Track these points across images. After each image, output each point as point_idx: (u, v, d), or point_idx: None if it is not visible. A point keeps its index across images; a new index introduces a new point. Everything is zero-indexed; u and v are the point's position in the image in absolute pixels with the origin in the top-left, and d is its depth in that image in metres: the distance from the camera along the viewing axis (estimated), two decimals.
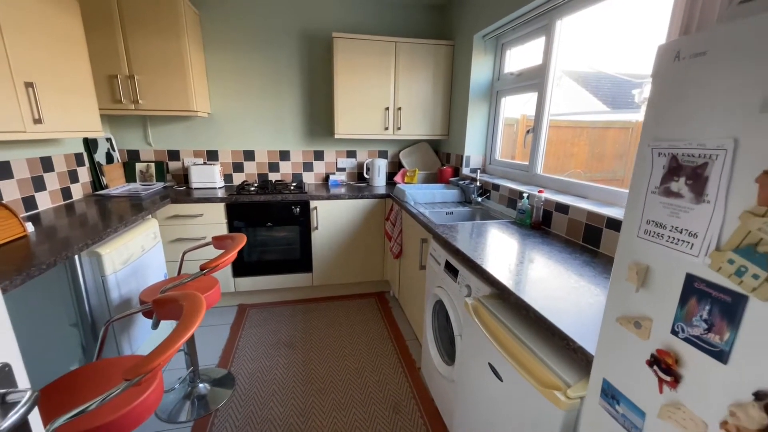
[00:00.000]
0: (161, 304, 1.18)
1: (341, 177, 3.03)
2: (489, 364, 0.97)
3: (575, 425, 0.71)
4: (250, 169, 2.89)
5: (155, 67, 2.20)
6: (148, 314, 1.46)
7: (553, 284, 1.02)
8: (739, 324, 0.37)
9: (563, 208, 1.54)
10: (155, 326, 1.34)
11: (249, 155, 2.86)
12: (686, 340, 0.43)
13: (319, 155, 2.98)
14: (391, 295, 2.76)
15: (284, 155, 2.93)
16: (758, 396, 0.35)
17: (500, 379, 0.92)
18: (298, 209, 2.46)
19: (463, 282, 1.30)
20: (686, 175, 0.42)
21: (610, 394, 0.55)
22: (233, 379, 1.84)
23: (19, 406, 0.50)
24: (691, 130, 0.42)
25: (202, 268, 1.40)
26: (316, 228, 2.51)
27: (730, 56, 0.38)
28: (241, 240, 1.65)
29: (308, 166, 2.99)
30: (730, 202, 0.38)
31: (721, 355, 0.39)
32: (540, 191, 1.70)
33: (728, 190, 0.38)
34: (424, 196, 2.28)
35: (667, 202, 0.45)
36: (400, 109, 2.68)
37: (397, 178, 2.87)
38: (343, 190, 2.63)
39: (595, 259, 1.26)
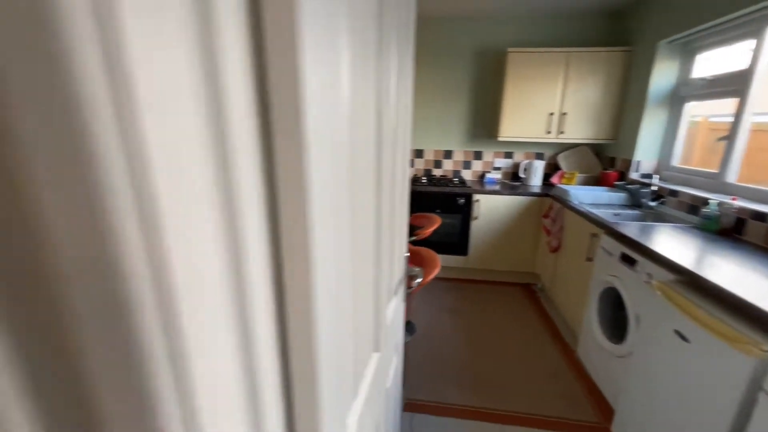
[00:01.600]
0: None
1: (497, 176, 3.36)
2: (675, 330, 1.20)
3: (763, 375, 0.92)
4: (419, 165, 3.47)
5: None
6: None
7: (744, 276, 1.17)
8: None
9: (760, 217, 1.56)
10: None
11: (419, 153, 3.44)
12: None
13: (478, 155, 3.37)
14: (538, 287, 2.97)
15: (448, 154, 3.41)
16: None
17: (686, 340, 1.15)
18: (462, 200, 2.90)
19: (642, 270, 1.50)
20: None
21: None
22: (413, 326, 2.39)
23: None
24: None
25: (414, 235, 1.95)
26: (476, 218, 2.91)
27: None
28: (437, 219, 2.16)
29: (467, 165, 3.42)
30: None
31: None
32: (733, 199, 1.72)
33: None
34: (587, 197, 2.44)
35: None
36: (565, 114, 2.85)
37: (554, 179, 3.04)
38: (498, 188, 2.95)
39: None
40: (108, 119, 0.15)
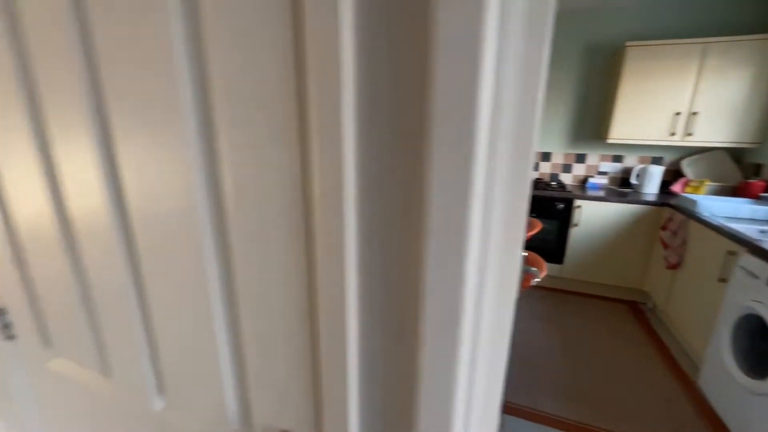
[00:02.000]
0: None
1: (602, 181, 3.09)
2: None
3: None
4: None
5: None
6: None
7: None
8: None
9: None
10: None
11: None
12: None
13: (580, 158, 3.15)
14: (648, 306, 2.67)
15: (545, 156, 3.25)
16: None
17: None
18: (562, 206, 2.74)
19: None
20: None
21: None
22: None
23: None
24: None
25: None
26: (576, 225, 2.73)
27: None
28: (537, 224, 2.09)
29: (567, 168, 3.21)
30: None
31: None
32: None
33: None
34: (722, 209, 2.12)
35: None
36: (695, 113, 2.51)
37: (676, 187, 2.69)
38: (602, 194, 2.72)
39: None
40: (484, 156, 0.24)
